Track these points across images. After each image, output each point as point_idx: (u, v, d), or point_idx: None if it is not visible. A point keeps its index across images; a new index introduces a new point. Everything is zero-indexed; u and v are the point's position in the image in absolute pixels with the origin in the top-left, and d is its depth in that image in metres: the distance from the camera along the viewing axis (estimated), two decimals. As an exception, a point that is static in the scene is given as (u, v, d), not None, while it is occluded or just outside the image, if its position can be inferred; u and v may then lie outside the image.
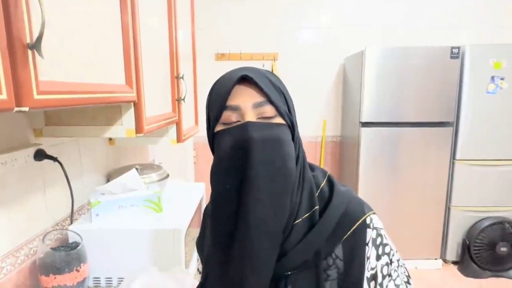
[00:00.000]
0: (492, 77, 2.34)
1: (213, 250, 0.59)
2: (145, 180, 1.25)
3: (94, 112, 0.90)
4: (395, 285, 0.53)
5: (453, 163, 2.50)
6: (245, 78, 0.54)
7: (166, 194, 1.30)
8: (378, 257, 0.54)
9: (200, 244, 0.70)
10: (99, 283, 1.04)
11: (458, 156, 2.47)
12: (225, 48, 2.84)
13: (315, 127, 2.98)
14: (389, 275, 0.54)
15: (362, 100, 2.42)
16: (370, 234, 0.55)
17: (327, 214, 0.54)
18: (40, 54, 0.48)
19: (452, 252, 2.59)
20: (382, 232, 0.56)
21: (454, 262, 2.63)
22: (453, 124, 2.45)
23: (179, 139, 1.29)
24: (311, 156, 3.02)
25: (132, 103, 0.86)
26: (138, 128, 0.89)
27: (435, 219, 2.55)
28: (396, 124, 2.45)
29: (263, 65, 2.82)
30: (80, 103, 0.60)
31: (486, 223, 2.43)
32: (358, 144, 2.50)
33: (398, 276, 0.54)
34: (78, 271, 0.92)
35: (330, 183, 0.60)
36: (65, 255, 0.90)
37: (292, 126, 0.56)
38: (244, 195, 0.51)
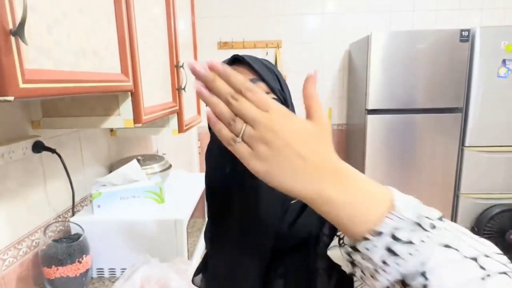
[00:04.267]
0: (504, 61, 2.26)
1: (211, 230, 0.60)
2: (147, 171, 1.24)
3: (92, 103, 0.89)
4: None
5: (462, 150, 2.44)
6: (237, 59, 0.55)
7: (168, 185, 1.30)
8: None
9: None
10: (103, 274, 1.04)
11: (467, 143, 2.41)
12: (228, 36, 2.79)
13: (320, 115, 2.94)
14: None
15: (368, 87, 2.37)
16: None
17: None
18: (23, 40, 0.46)
19: (461, 240, 2.56)
20: None
21: (463, 250, 2.60)
22: (462, 110, 2.39)
23: (180, 129, 1.28)
24: (317, 145, 2.98)
25: (129, 93, 0.85)
26: (136, 118, 0.87)
27: (444, 207, 2.52)
28: (403, 111, 2.40)
29: (267, 53, 2.78)
30: (71, 92, 0.58)
31: (496, 210, 2.39)
32: (364, 132, 2.46)
33: None
34: (80, 262, 0.92)
35: None
36: (66, 247, 0.90)
37: (286, 104, 0.57)
38: (239, 169, 0.51)
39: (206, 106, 0.34)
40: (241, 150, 0.32)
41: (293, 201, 0.54)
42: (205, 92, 0.34)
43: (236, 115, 0.32)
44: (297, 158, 0.31)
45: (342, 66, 2.86)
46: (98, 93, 0.69)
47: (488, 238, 2.18)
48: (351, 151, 2.86)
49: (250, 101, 0.32)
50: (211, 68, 0.33)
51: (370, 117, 2.41)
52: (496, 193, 2.44)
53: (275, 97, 0.56)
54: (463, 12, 2.74)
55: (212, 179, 0.57)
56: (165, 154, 1.93)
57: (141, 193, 1.08)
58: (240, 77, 0.33)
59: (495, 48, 2.25)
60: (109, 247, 1.02)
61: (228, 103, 0.33)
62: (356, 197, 0.31)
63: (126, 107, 0.86)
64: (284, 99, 0.57)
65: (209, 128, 0.61)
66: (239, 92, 0.32)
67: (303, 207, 0.54)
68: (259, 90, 0.33)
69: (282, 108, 0.33)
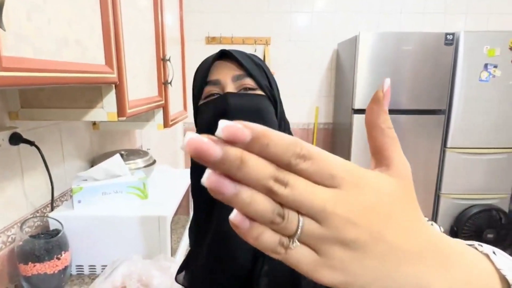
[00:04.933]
0: (486, 65, 2.32)
1: (194, 224, 0.60)
2: (130, 166, 1.21)
3: (74, 94, 0.85)
4: None
5: (444, 151, 2.50)
6: (225, 54, 0.55)
7: (152, 181, 1.27)
8: None
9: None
10: (83, 271, 1.01)
11: (449, 144, 2.47)
12: (216, 31, 2.76)
13: (307, 114, 2.95)
14: None
15: (355, 86, 2.39)
16: None
17: None
18: (1, 26, 0.43)
19: (440, 238, 2.62)
20: None
21: (442, 249, 2.66)
22: (445, 112, 2.45)
23: (166, 124, 1.25)
24: (303, 143, 2.99)
25: (113, 85, 0.82)
26: (120, 112, 0.85)
27: (425, 207, 2.57)
28: (388, 111, 2.42)
29: (255, 50, 2.76)
30: (52, 82, 0.56)
31: (474, 210, 2.46)
32: (350, 131, 2.48)
33: None
34: (58, 259, 0.89)
35: None
36: (44, 243, 0.87)
37: (274, 100, 0.57)
38: None
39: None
40: (299, 258, 0.20)
41: None
42: (229, 187, 0.18)
43: (282, 204, 0.19)
44: (389, 253, 0.21)
45: (330, 65, 2.88)
46: (80, 84, 0.66)
47: (467, 238, 2.24)
48: (337, 150, 2.88)
49: (306, 174, 0.19)
50: (232, 140, 0.18)
51: (356, 117, 2.43)
52: (475, 193, 2.52)
53: (263, 94, 0.55)
54: (449, 16, 2.80)
55: (195, 175, 0.57)
56: (149, 149, 1.90)
57: (124, 189, 1.06)
58: (285, 136, 0.19)
59: (478, 52, 2.31)
60: (90, 243, 0.99)
61: (270, 193, 0.19)
62: (468, 279, 0.23)
63: (110, 99, 0.84)
64: (272, 95, 0.57)
65: (196, 124, 0.60)
66: (287, 165, 0.19)
67: None
68: (320, 151, 0.20)
69: (350, 167, 0.20)
